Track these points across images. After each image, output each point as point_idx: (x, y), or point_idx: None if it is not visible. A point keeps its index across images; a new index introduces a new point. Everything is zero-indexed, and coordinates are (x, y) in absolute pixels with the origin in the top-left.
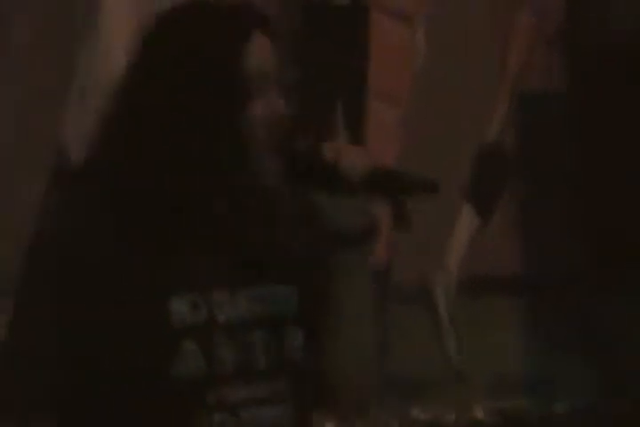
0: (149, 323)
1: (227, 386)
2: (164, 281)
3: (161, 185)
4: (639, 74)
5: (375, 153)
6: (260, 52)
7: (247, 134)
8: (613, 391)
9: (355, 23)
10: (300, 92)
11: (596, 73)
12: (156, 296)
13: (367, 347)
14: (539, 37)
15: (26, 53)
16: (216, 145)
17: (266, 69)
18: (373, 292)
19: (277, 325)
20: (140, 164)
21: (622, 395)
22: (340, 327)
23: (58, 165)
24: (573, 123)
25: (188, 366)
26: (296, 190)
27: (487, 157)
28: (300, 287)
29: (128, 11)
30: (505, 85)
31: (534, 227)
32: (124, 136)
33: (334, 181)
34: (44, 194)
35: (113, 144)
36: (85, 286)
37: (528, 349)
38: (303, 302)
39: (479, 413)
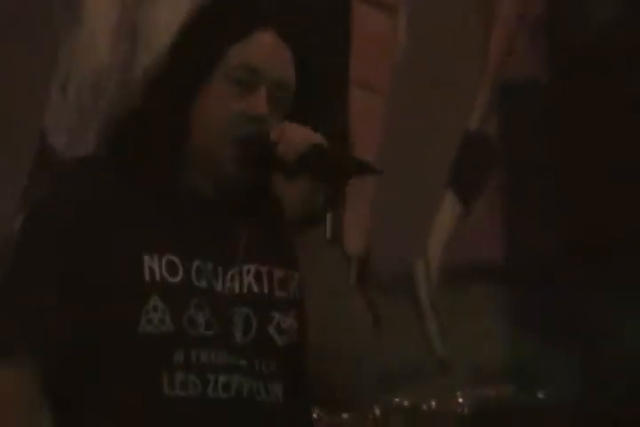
0: (123, 276)
1: (196, 347)
2: (140, 240)
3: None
4: (617, 63)
5: (357, 141)
6: (258, 48)
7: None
8: (592, 381)
9: (337, 12)
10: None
11: (576, 62)
12: (130, 251)
13: (359, 338)
14: (520, 27)
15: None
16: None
17: (256, 65)
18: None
19: (264, 304)
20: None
21: (604, 384)
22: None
23: (40, 152)
24: (553, 111)
25: (152, 319)
26: (252, 174)
27: (470, 145)
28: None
29: (110, 8)
30: (487, 74)
31: (516, 216)
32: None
33: (273, 161)
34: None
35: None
36: (71, 233)
37: (509, 337)
38: (294, 286)
39: (460, 400)
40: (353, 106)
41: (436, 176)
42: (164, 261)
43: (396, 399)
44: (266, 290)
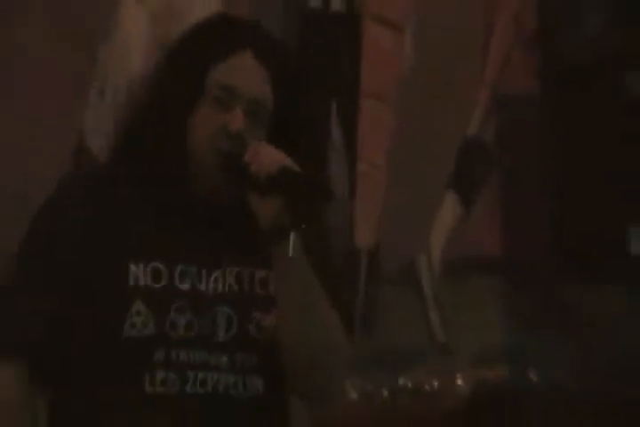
0: (109, 282)
1: (176, 348)
2: (125, 247)
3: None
4: (604, 76)
5: (367, 147)
6: (234, 67)
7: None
8: (582, 365)
9: (348, 29)
10: (299, 91)
11: (565, 74)
12: (117, 259)
13: (328, 326)
14: (515, 43)
15: (50, 48)
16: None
17: (232, 85)
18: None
19: (245, 304)
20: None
21: (593, 368)
22: (293, 322)
23: (77, 154)
24: (547, 120)
25: (135, 323)
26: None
27: (469, 150)
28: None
29: (143, 27)
30: (484, 86)
31: (513, 214)
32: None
33: (246, 179)
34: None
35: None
36: (65, 246)
37: (505, 325)
38: (268, 288)
39: (460, 381)
40: (363, 115)
41: (438, 178)
42: (149, 268)
43: (401, 381)
44: (247, 289)
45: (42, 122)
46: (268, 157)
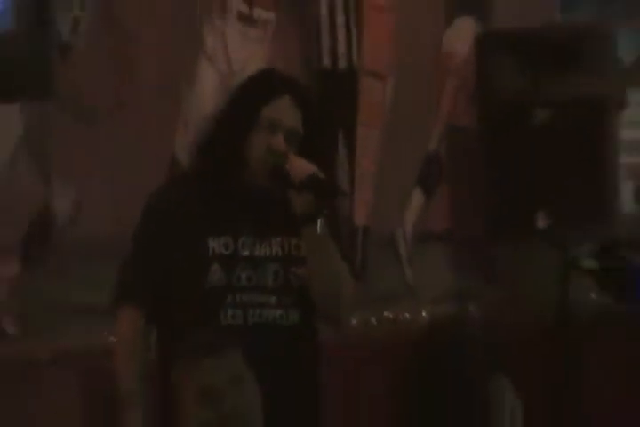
0: (195, 250)
1: (240, 294)
2: (206, 228)
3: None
4: (521, 112)
5: (362, 159)
6: (277, 107)
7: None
8: (506, 302)
9: (349, 80)
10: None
11: (494, 110)
12: (200, 236)
13: (338, 283)
14: (461, 93)
15: (154, 96)
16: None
17: (279, 121)
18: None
19: (286, 262)
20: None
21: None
22: (319, 276)
23: (171, 166)
24: (482, 142)
25: (214, 278)
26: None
27: (430, 160)
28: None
29: (213, 80)
30: (440, 119)
31: (459, 201)
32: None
33: (286, 183)
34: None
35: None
36: (167, 225)
37: (454, 275)
38: (300, 251)
39: (424, 313)
40: (360, 138)
41: (410, 178)
42: (221, 241)
43: (385, 313)
44: (286, 252)
45: (148, 144)
46: (302, 167)
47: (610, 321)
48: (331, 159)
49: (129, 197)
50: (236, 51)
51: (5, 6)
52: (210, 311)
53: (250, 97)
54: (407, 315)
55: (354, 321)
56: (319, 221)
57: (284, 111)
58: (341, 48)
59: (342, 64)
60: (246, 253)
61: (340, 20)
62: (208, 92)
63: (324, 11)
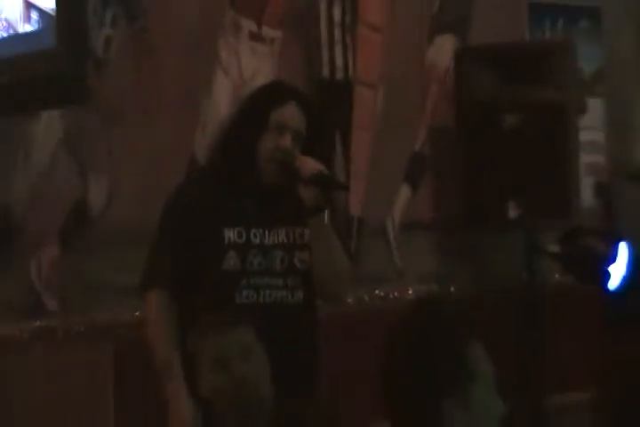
0: (214, 240)
1: (253, 277)
2: (222, 220)
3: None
4: (493, 117)
5: (356, 157)
6: (285, 111)
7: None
8: (482, 283)
9: (345, 89)
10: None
11: (470, 115)
12: (217, 226)
13: (342, 272)
14: (442, 96)
15: (176, 103)
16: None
17: (287, 123)
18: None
19: (290, 248)
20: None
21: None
22: (321, 259)
23: (190, 163)
24: (459, 142)
25: (230, 264)
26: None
27: (416, 158)
28: (306, 228)
29: (227, 89)
30: (424, 123)
31: (441, 194)
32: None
33: (297, 178)
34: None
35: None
36: (188, 216)
37: (436, 259)
38: (307, 236)
39: (410, 292)
40: (355, 140)
41: (398, 175)
42: (235, 231)
43: (376, 292)
44: (291, 240)
45: (171, 144)
46: (311, 165)
47: (570, 297)
48: (330, 158)
49: (154, 189)
50: (247, 64)
51: (47, 26)
52: (226, 292)
53: (260, 103)
54: (395, 293)
55: (349, 299)
56: (326, 211)
57: (290, 115)
58: (338, 61)
59: (339, 75)
60: (257, 241)
61: (338, 37)
62: (223, 99)
63: (323, 29)
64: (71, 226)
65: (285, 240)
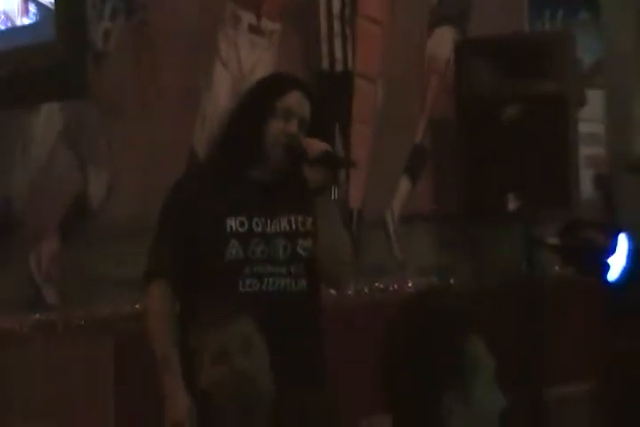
0: (216, 230)
1: (256, 265)
2: (223, 209)
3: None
4: (494, 108)
5: (356, 149)
6: (290, 99)
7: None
8: (482, 275)
9: (344, 82)
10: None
11: (470, 107)
12: (219, 216)
13: (346, 253)
14: (442, 89)
15: (176, 96)
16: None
17: (292, 109)
18: (344, 220)
19: (293, 236)
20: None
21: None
22: (327, 240)
23: (190, 157)
24: (459, 134)
25: (232, 253)
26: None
27: (415, 150)
28: (309, 217)
29: (227, 82)
30: (424, 114)
31: (440, 186)
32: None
33: (303, 159)
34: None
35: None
36: (188, 210)
37: (436, 251)
38: (309, 224)
39: (410, 284)
40: (354, 133)
41: (398, 167)
42: (237, 220)
43: (376, 284)
44: (293, 228)
45: (171, 137)
46: (317, 145)
47: (570, 289)
48: (332, 145)
49: (154, 183)
50: (246, 57)
51: (45, 19)
52: (230, 281)
53: (265, 91)
54: (395, 285)
55: (350, 291)
56: (333, 188)
57: (295, 102)
58: (338, 54)
59: (339, 68)
60: (259, 230)
61: (337, 29)
62: (222, 92)
63: (322, 22)
64: (71, 219)
65: (288, 228)
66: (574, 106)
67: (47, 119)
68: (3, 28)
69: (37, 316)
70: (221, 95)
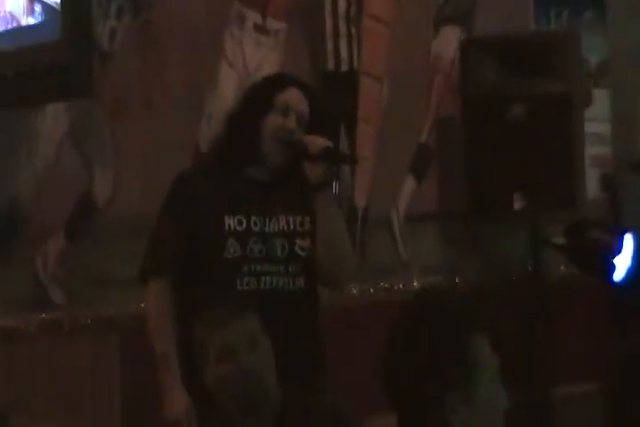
0: (215, 228)
1: (254, 264)
2: (222, 208)
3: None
4: (500, 107)
5: (361, 148)
6: (288, 95)
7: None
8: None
9: (350, 81)
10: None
11: (476, 105)
12: (218, 214)
13: (345, 251)
14: (447, 88)
15: (182, 95)
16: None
17: (290, 104)
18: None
19: (291, 236)
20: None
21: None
22: (326, 236)
23: (195, 155)
24: (465, 134)
25: (230, 251)
26: (290, 162)
27: (420, 150)
28: (308, 217)
29: (232, 81)
30: (430, 112)
31: (445, 185)
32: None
33: (304, 155)
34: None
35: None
36: (189, 206)
37: (441, 250)
38: (307, 224)
39: (415, 283)
40: (360, 131)
41: (404, 166)
42: (235, 219)
43: (381, 283)
44: (292, 228)
45: (176, 136)
46: (318, 140)
47: (575, 289)
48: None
49: (159, 182)
50: (251, 56)
51: (51, 19)
52: (228, 279)
53: (264, 88)
54: (400, 285)
55: (354, 291)
56: (334, 183)
57: (293, 98)
58: (343, 53)
59: (344, 67)
60: (257, 229)
61: (343, 29)
62: (228, 91)
63: (328, 21)
64: (77, 219)
65: (286, 228)
66: (580, 106)
67: (53, 119)
68: (8, 28)
69: (43, 315)
70: (227, 95)
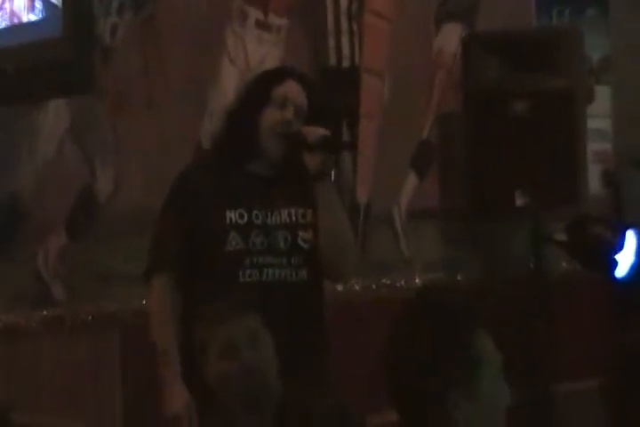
0: (216, 222)
1: (256, 256)
2: (224, 202)
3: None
4: (501, 103)
5: (363, 144)
6: (286, 87)
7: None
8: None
9: (351, 77)
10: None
11: (478, 101)
12: (219, 208)
13: (347, 240)
14: (449, 84)
15: (183, 91)
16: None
17: (288, 97)
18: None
19: (294, 228)
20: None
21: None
22: (327, 224)
23: (197, 152)
24: (467, 130)
25: (232, 244)
26: (289, 153)
27: (422, 146)
28: (310, 209)
29: (233, 77)
30: (431, 107)
31: (445, 183)
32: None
33: (303, 145)
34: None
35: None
36: (191, 201)
37: (442, 247)
38: (309, 217)
39: (417, 280)
40: (362, 128)
41: (405, 162)
42: (237, 212)
43: (383, 280)
44: (294, 220)
45: (178, 132)
46: (316, 131)
47: (577, 285)
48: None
49: (161, 178)
50: (253, 52)
51: (52, 15)
52: (230, 272)
53: (261, 81)
54: (402, 281)
55: (357, 287)
56: (332, 172)
57: (291, 90)
58: (345, 49)
59: (346, 63)
60: (259, 222)
61: (344, 25)
62: (229, 87)
63: (330, 17)
64: (78, 215)
65: (288, 220)
66: (582, 102)
67: (54, 115)
68: (9, 24)
69: (45, 312)
70: (228, 91)
